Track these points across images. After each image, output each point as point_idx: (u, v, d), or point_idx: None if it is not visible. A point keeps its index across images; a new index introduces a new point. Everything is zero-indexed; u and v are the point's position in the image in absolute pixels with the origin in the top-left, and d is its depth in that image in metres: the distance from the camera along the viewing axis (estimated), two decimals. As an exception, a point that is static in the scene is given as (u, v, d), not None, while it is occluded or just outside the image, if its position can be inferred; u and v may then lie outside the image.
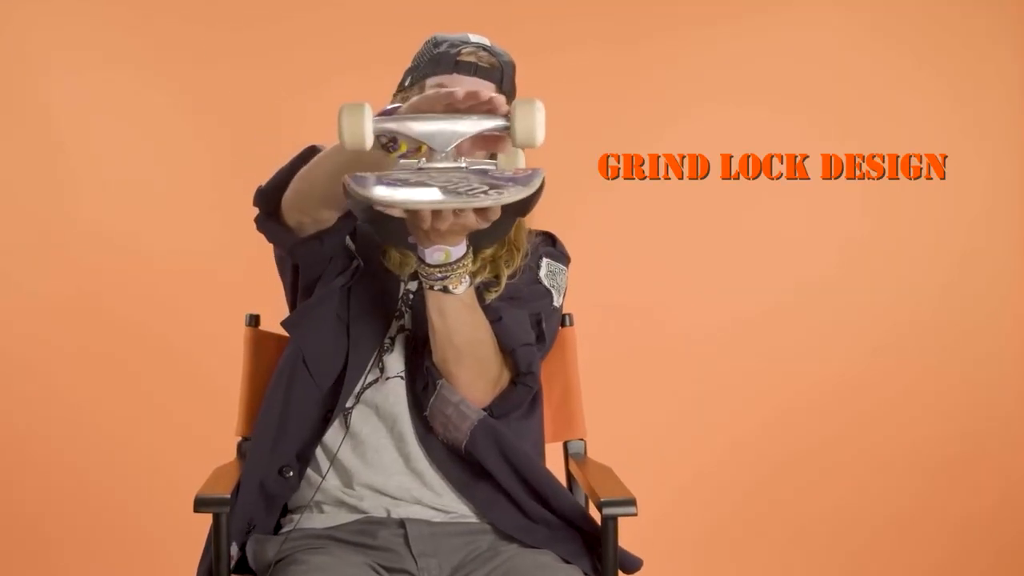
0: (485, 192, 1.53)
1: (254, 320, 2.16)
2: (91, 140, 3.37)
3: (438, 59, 1.93)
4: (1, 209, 3.35)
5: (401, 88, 1.97)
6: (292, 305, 2.01)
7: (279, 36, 3.40)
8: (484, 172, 1.60)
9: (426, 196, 1.54)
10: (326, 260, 1.91)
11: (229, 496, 1.81)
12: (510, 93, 1.96)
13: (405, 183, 1.56)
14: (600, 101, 3.44)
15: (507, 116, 1.62)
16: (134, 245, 3.36)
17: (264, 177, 1.89)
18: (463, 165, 1.63)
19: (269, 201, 1.87)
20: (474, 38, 1.96)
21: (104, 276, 3.36)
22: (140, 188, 3.37)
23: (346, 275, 1.92)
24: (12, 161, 3.34)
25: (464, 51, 1.93)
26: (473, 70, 1.92)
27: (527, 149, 1.68)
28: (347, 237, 1.91)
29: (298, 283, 1.97)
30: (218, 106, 3.38)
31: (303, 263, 1.93)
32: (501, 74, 1.94)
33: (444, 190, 1.54)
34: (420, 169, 1.62)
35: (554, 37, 3.43)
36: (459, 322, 1.81)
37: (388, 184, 1.56)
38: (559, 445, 2.18)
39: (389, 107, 1.70)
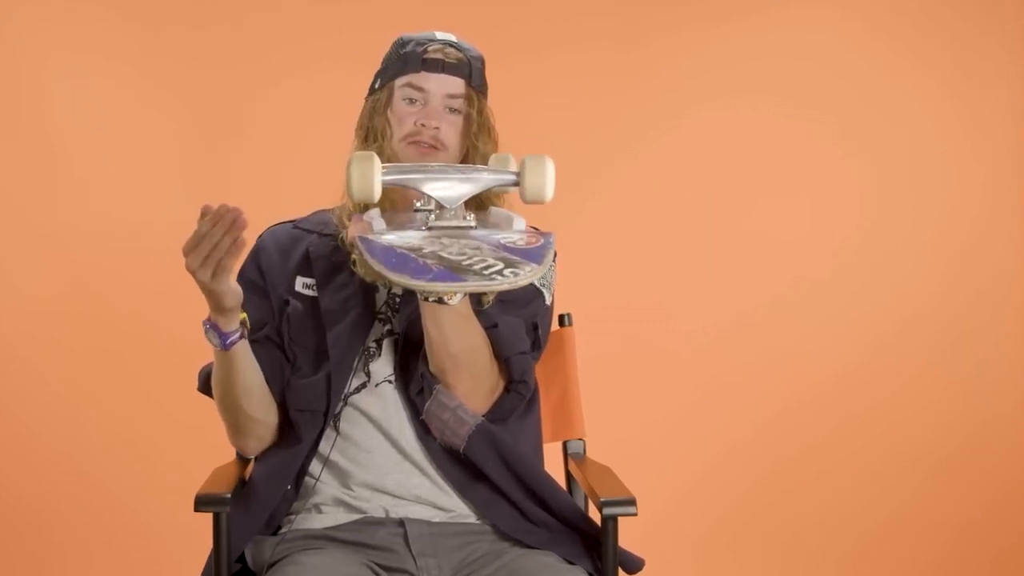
0: (500, 272, 1.51)
1: (254, 320, 2.16)
2: (90, 139, 3.37)
3: (405, 59, 1.93)
4: (0, 208, 3.35)
5: (372, 91, 1.98)
6: None
7: (280, 34, 3.40)
8: (499, 244, 1.59)
9: (441, 282, 1.53)
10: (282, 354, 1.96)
11: (229, 495, 1.81)
12: (480, 88, 1.96)
13: (419, 252, 1.55)
14: (600, 101, 3.44)
15: (516, 172, 1.64)
16: (134, 245, 3.36)
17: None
18: (472, 224, 1.64)
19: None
20: (440, 35, 1.96)
21: (104, 276, 3.36)
22: (140, 187, 3.37)
23: (281, 317, 1.95)
24: (11, 160, 3.34)
25: (430, 48, 1.93)
26: (440, 67, 1.92)
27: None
28: (278, 300, 1.95)
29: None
30: (219, 105, 3.38)
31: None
32: (469, 69, 1.94)
33: (459, 267, 1.53)
34: (431, 228, 1.63)
35: (555, 36, 3.44)
36: (455, 332, 1.81)
37: (401, 256, 1.55)
38: (558, 445, 2.18)
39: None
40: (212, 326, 1.80)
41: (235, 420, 1.91)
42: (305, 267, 1.97)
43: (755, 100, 3.46)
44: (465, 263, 1.53)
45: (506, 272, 1.51)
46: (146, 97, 3.37)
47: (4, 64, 3.32)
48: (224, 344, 1.81)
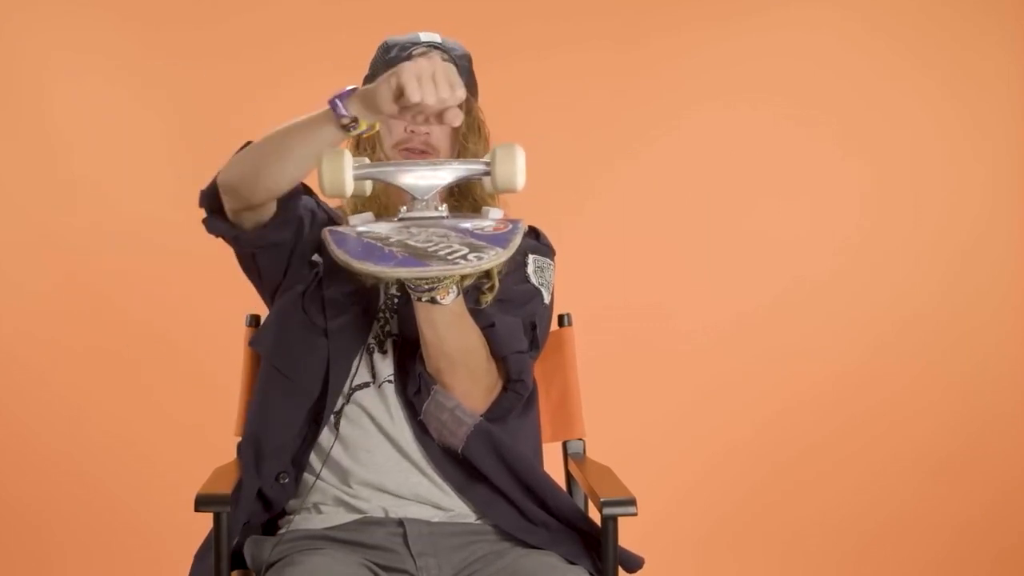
0: (464, 257, 1.54)
1: (254, 320, 2.16)
2: (90, 139, 3.37)
3: (391, 64, 1.91)
4: (0, 208, 3.35)
5: None
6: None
7: (280, 34, 3.40)
8: (467, 231, 1.60)
9: (405, 267, 1.55)
10: (283, 260, 1.93)
11: (230, 495, 1.81)
12: (468, 86, 1.95)
13: (386, 242, 1.57)
14: (600, 101, 3.45)
15: (487, 161, 1.65)
16: (134, 245, 3.36)
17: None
18: (444, 214, 1.65)
19: (213, 198, 1.87)
20: (424, 36, 1.96)
21: (104, 276, 3.36)
22: (140, 188, 3.37)
23: (305, 282, 1.93)
24: (11, 160, 3.35)
25: (415, 52, 1.93)
26: None
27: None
28: (311, 248, 1.93)
29: (262, 290, 2.00)
30: (219, 106, 3.38)
31: (261, 261, 1.94)
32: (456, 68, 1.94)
33: (424, 254, 1.55)
34: (401, 219, 1.64)
35: (555, 36, 3.44)
36: (449, 332, 1.80)
37: (367, 246, 1.57)
38: (558, 445, 2.18)
39: (348, 88, 1.71)
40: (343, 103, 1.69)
41: (258, 161, 1.82)
42: (321, 247, 1.96)
43: (755, 100, 3.46)
44: (431, 250, 1.55)
45: (470, 257, 1.54)
46: (146, 97, 3.37)
47: (4, 64, 3.32)
48: (341, 124, 1.69)
